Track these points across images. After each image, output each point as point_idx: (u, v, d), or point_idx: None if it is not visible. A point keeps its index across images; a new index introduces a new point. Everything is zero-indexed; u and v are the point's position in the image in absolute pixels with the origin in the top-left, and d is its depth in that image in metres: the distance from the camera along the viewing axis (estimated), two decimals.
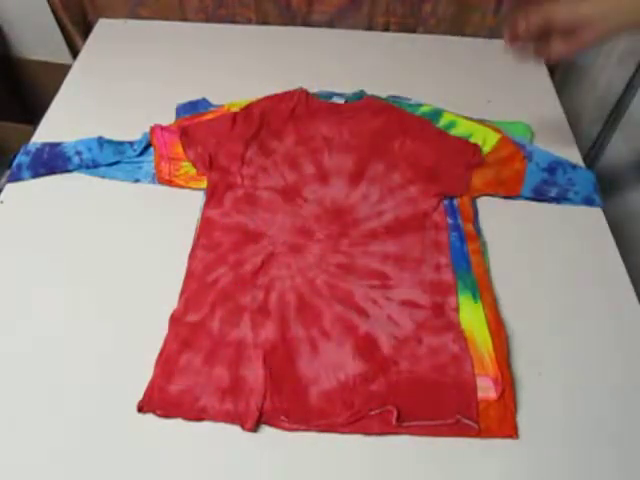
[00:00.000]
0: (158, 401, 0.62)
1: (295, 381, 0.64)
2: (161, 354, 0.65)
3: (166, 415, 0.61)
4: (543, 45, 0.63)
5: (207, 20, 1.14)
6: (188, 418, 0.61)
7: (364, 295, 0.71)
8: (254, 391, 0.62)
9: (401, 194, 0.83)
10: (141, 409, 0.61)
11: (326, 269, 0.74)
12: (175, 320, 0.68)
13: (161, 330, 0.67)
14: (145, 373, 0.64)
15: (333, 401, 0.63)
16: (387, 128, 0.89)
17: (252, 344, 0.66)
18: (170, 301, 0.70)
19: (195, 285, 0.72)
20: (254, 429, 0.60)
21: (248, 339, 0.67)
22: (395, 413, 0.61)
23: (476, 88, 1.01)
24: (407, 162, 0.86)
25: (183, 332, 0.67)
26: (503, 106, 0.96)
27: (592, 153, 1.03)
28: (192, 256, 0.75)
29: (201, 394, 0.63)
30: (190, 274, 0.73)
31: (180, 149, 0.86)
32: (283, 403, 0.62)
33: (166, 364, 0.65)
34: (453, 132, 0.91)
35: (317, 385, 0.64)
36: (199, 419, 0.61)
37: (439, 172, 0.84)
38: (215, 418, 0.61)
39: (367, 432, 0.61)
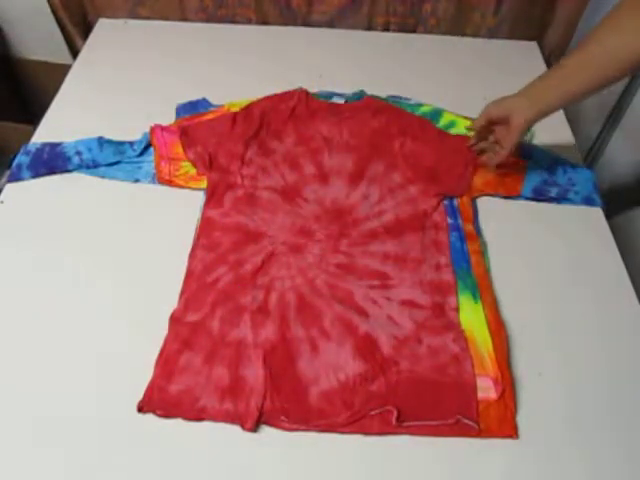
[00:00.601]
0: (158, 401, 0.62)
1: (295, 381, 0.64)
2: (161, 354, 0.65)
3: (166, 415, 0.61)
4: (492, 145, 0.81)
5: (207, 20, 1.14)
6: (188, 418, 0.61)
7: (364, 295, 0.71)
8: (254, 391, 0.62)
9: (401, 194, 0.83)
10: (141, 409, 0.61)
11: (326, 269, 0.74)
12: (175, 320, 0.68)
13: (161, 330, 0.67)
14: (145, 373, 0.64)
15: (333, 401, 0.63)
16: (387, 128, 0.89)
17: (252, 344, 0.66)
18: (170, 301, 0.70)
19: (195, 285, 0.72)
20: (254, 429, 0.60)
21: (248, 339, 0.67)
22: (395, 413, 0.61)
23: (476, 88, 1.01)
24: (407, 162, 0.86)
25: (183, 332, 0.67)
26: None
27: (592, 153, 1.03)
28: (192, 256, 0.75)
29: (201, 394, 0.63)
30: (190, 274, 0.73)
31: (180, 149, 0.86)
32: (283, 403, 0.62)
33: (166, 364, 0.65)
34: (453, 132, 0.91)
35: (317, 385, 0.64)
36: (199, 419, 0.61)
37: (439, 172, 0.84)
38: (215, 418, 0.61)
39: (367, 432, 0.61)
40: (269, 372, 0.64)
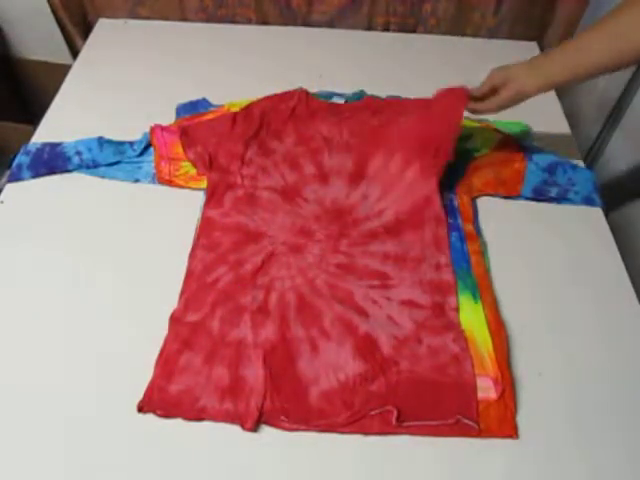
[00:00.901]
0: (158, 401, 0.62)
1: (295, 381, 0.64)
2: (161, 354, 0.65)
3: (166, 415, 0.61)
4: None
5: (207, 20, 1.14)
6: (188, 418, 0.61)
7: (364, 295, 0.71)
8: (254, 391, 0.62)
9: (400, 185, 0.81)
10: (141, 409, 0.61)
11: (326, 269, 0.74)
12: (175, 320, 0.68)
13: (161, 330, 0.67)
14: (145, 373, 0.64)
15: (333, 401, 0.63)
16: (385, 120, 0.88)
17: (252, 344, 0.66)
18: (170, 301, 0.70)
19: (195, 285, 0.72)
20: (254, 429, 0.60)
21: (248, 339, 0.67)
22: (395, 413, 0.61)
23: None
24: (403, 144, 0.83)
25: (183, 332, 0.67)
26: None
27: (592, 153, 1.03)
28: (192, 256, 0.75)
29: (201, 394, 0.63)
30: (190, 274, 0.73)
31: (180, 149, 0.86)
32: (283, 403, 0.62)
33: (166, 364, 0.65)
34: None
35: (317, 385, 0.64)
36: (199, 419, 0.61)
37: (432, 134, 0.81)
38: (215, 418, 0.61)
39: (367, 432, 0.61)
40: (269, 372, 0.64)
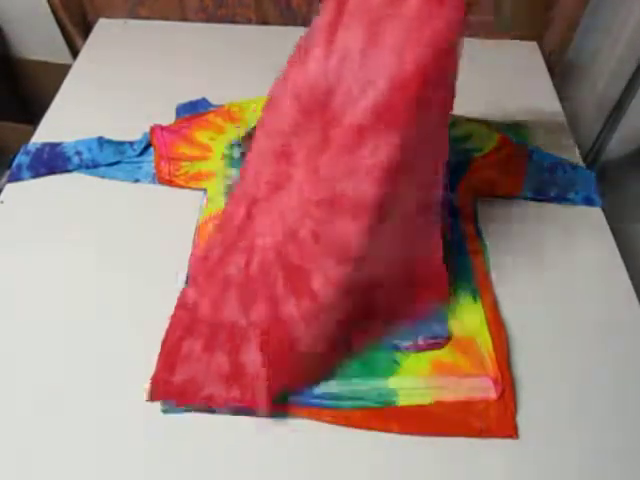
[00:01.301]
0: (163, 393, 0.62)
1: (294, 356, 0.63)
2: (163, 345, 0.65)
3: (177, 403, 0.62)
4: None
5: (207, 20, 1.14)
6: (195, 406, 0.62)
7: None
8: (257, 375, 0.62)
9: (392, 25, 0.53)
10: (151, 399, 0.62)
11: (307, 210, 0.62)
12: (177, 308, 0.68)
13: (161, 330, 0.67)
14: (145, 373, 0.64)
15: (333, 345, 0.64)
16: None
17: (246, 326, 0.65)
18: (170, 301, 0.70)
19: (197, 269, 0.71)
20: (267, 413, 0.60)
21: (241, 322, 0.65)
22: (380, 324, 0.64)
23: (476, 88, 1.01)
24: None
25: (184, 319, 0.67)
26: (503, 106, 0.96)
27: (592, 153, 1.03)
28: (195, 247, 0.75)
29: (204, 382, 0.62)
30: (194, 262, 0.73)
31: (180, 149, 0.86)
32: (286, 383, 0.62)
33: (168, 355, 0.64)
34: (452, 132, 0.90)
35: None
36: (207, 407, 0.62)
37: None
38: (223, 405, 0.61)
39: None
40: (267, 356, 0.63)
